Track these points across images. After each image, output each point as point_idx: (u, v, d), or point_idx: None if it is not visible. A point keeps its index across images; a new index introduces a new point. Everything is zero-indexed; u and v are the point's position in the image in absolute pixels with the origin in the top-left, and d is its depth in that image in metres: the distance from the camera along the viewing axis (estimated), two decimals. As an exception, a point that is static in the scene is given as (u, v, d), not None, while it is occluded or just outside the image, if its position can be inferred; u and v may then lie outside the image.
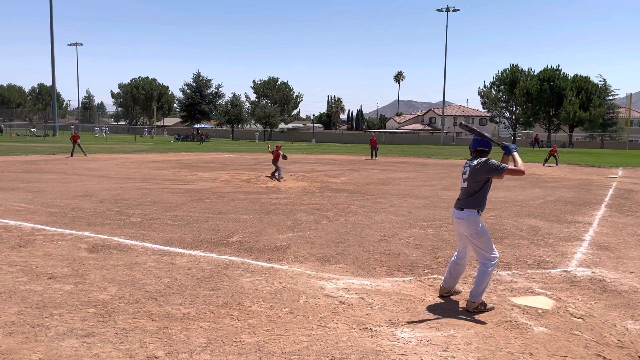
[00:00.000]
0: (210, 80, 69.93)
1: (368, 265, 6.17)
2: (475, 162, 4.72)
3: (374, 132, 54.88)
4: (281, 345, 3.82)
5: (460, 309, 4.70)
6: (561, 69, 69.32)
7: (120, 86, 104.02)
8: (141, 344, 3.79)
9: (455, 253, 5.03)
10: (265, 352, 3.69)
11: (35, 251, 6.44)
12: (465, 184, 4.75)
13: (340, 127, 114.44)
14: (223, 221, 8.77)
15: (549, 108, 68.07)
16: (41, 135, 57.77)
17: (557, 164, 26.68)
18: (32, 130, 61.97)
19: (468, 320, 4.44)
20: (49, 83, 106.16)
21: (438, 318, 4.47)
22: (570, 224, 9.27)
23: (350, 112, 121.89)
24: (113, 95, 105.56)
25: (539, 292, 5.29)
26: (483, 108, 78.88)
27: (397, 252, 6.80)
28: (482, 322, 4.39)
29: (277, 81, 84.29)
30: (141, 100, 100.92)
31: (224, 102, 72.19)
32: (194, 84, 68.68)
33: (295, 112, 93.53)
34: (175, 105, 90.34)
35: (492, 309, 4.68)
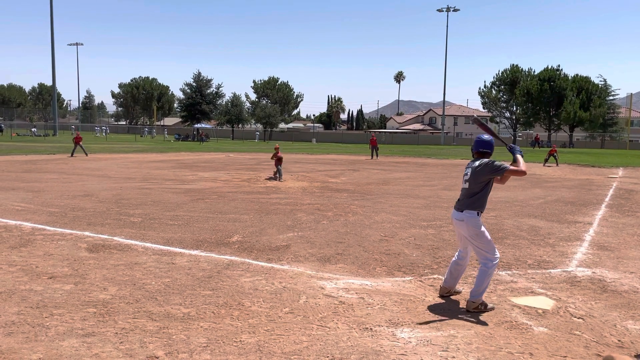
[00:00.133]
0: (211, 80, 69.98)
1: (368, 265, 6.17)
2: (477, 162, 4.71)
3: (374, 132, 54.89)
4: (281, 345, 3.82)
5: (461, 309, 4.70)
6: (561, 69, 69.35)
7: (120, 86, 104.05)
8: (141, 343, 3.79)
9: (456, 253, 5.04)
10: (265, 352, 3.69)
11: (36, 251, 6.44)
12: (467, 185, 4.74)
13: (340, 127, 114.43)
14: (223, 221, 8.77)
15: (549, 108, 68.05)
16: (41, 135, 57.79)
17: (557, 164, 26.67)
18: (33, 130, 61.98)
19: (468, 320, 4.44)
20: (49, 83, 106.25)
21: (438, 318, 4.47)
22: (570, 224, 9.27)
23: (350, 112, 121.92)
24: (113, 95, 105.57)
25: (539, 292, 5.28)
26: (483, 108, 78.81)
27: (398, 252, 6.80)
28: (483, 322, 4.39)
29: (277, 81, 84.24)
30: (141, 100, 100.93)
31: (224, 102, 72.20)
32: (194, 84, 68.69)
33: (295, 112, 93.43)
34: (175, 105, 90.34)
35: (492, 309, 4.68)
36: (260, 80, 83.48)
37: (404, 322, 4.34)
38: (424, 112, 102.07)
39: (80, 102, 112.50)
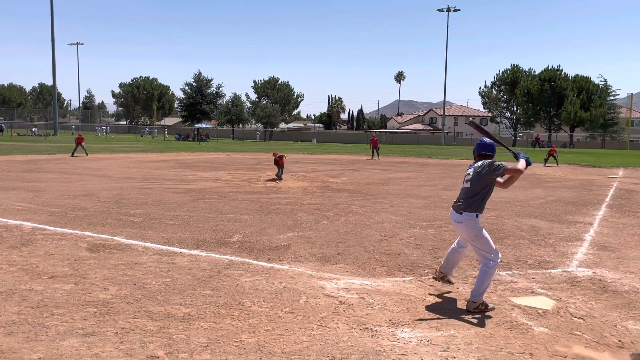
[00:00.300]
0: (211, 80, 69.97)
1: (368, 265, 6.17)
2: (479, 163, 4.71)
3: (375, 132, 54.88)
4: (281, 345, 3.82)
5: (461, 309, 4.70)
6: (562, 69, 69.29)
7: (120, 86, 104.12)
8: (141, 343, 3.79)
9: (456, 241, 5.08)
10: (265, 352, 3.69)
11: (36, 251, 6.44)
12: (468, 184, 4.73)
13: (340, 127, 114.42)
14: (223, 221, 8.77)
15: (549, 108, 68.01)
16: (42, 135, 57.83)
17: (557, 164, 26.67)
18: (33, 129, 62.02)
19: (468, 320, 4.44)
20: (49, 82, 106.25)
21: (438, 318, 4.47)
22: (570, 224, 9.26)
23: (350, 112, 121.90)
24: (114, 95, 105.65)
25: (539, 292, 5.28)
26: (484, 108, 78.80)
27: (398, 252, 6.80)
28: (483, 322, 4.38)
29: (277, 81, 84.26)
30: (142, 99, 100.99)
31: (224, 102, 72.22)
32: (194, 84, 68.69)
33: (295, 112, 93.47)
34: (175, 105, 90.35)
35: (492, 309, 4.68)
36: (261, 80, 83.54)
37: (404, 322, 4.34)
38: (425, 112, 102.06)
39: (81, 102, 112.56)
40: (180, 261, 6.11)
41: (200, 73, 68.98)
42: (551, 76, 67.66)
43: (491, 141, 4.83)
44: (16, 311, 4.37)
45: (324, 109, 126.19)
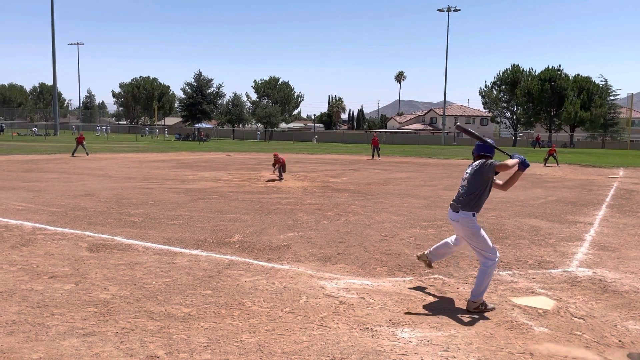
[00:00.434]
0: (211, 79, 69.97)
1: (369, 265, 6.17)
2: (475, 163, 4.80)
3: (375, 132, 54.89)
4: (282, 344, 3.82)
5: (461, 309, 4.70)
6: (562, 69, 69.23)
7: (121, 86, 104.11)
8: (142, 343, 3.79)
9: (453, 237, 5.17)
10: (265, 352, 3.69)
11: (36, 250, 6.45)
12: (465, 183, 4.80)
13: (341, 126, 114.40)
14: (224, 221, 8.78)
15: (550, 108, 67.97)
16: (42, 135, 57.83)
17: (557, 164, 26.66)
18: (33, 129, 62.04)
19: (469, 320, 4.44)
20: (50, 82, 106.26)
21: (439, 318, 4.47)
22: (571, 224, 9.26)
23: (351, 112, 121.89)
24: (114, 95, 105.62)
25: (539, 292, 5.28)
26: (484, 108, 78.76)
27: (398, 252, 6.80)
28: (483, 322, 4.38)
29: (278, 81, 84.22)
30: (142, 99, 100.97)
31: (224, 102, 72.23)
32: (195, 84, 68.69)
33: (296, 111, 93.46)
34: (176, 104, 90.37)
35: (492, 309, 4.69)
36: (261, 80, 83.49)
37: (405, 322, 4.34)
38: (425, 112, 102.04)
39: (81, 102, 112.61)
40: (181, 261, 6.12)
41: (200, 73, 69.01)
42: (551, 76, 67.62)
43: (491, 142, 4.88)
44: (16, 311, 4.37)
45: (324, 108, 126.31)
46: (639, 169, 25.55)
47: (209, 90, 69.89)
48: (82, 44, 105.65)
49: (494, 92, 73.76)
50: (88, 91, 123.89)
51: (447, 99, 73.24)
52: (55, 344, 3.73)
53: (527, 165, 4.58)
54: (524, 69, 72.58)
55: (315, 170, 20.99)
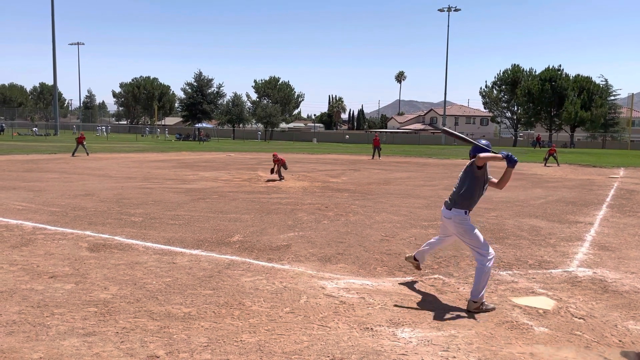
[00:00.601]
0: (212, 79, 69.94)
1: (369, 265, 6.17)
2: (469, 162, 4.93)
3: (377, 132, 54.89)
4: (282, 344, 3.82)
5: (461, 309, 4.70)
6: (563, 69, 69.23)
7: (121, 85, 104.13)
8: (142, 343, 3.79)
9: (436, 237, 5.35)
10: (266, 352, 3.69)
11: (37, 250, 6.45)
12: (458, 181, 4.94)
13: (341, 126, 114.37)
14: (224, 221, 8.78)
15: (550, 108, 67.95)
16: (42, 135, 57.84)
17: (557, 164, 26.65)
18: (34, 129, 62.04)
19: (469, 320, 4.44)
20: (50, 82, 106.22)
21: (439, 318, 4.47)
22: (571, 224, 9.26)
23: (351, 112, 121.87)
24: (114, 95, 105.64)
25: (540, 292, 5.28)
26: (484, 108, 78.75)
27: (398, 252, 6.80)
28: (483, 322, 4.38)
29: (278, 81, 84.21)
30: (142, 99, 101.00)
31: (225, 102, 72.22)
32: (195, 84, 68.65)
33: (296, 111, 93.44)
34: (176, 104, 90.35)
35: (493, 309, 4.69)
36: (261, 80, 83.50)
37: (405, 322, 4.34)
38: (425, 112, 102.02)
39: (81, 102, 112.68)
40: (181, 261, 6.12)
41: (200, 73, 68.95)
42: (552, 76, 67.61)
43: (486, 143, 4.95)
44: (17, 311, 4.37)
45: (324, 108, 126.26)
46: (639, 169, 25.55)
47: (209, 90, 69.86)
48: (83, 44, 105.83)
49: (495, 92, 73.77)
50: (88, 91, 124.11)
51: (447, 99, 73.27)
52: (55, 344, 3.73)
53: (514, 161, 4.58)
54: (525, 69, 72.60)
55: (316, 170, 20.99)
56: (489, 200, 11.70)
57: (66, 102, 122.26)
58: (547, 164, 26.76)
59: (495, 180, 4.95)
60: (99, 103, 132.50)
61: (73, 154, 26.02)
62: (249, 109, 76.66)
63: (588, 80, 67.67)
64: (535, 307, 4.80)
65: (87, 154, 26.52)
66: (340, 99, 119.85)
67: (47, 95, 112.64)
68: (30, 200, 10.66)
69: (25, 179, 14.80)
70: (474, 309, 4.62)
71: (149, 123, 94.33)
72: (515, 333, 4.18)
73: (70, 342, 3.78)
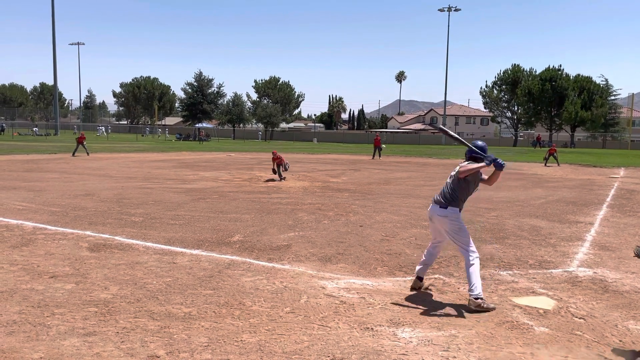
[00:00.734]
0: (212, 79, 69.86)
1: (369, 265, 6.17)
2: (463, 162, 5.01)
3: (378, 132, 54.88)
4: (282, 344, 3.82)
5: (462, 309, 4.70)
6: (563, 69, 69.18)
7: (121, 85, 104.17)
8: (142, 343, 3.79)
9: (430, 243, 5.30)
10: (266, 352, 3.69)
11: (37, 250, 6.45)
12: (450, 180, 5.06)
13: (341, 126, 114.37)
14: (224, 220, 8.78)
15: (550, 108, 67.93)
16: (43, 135, 57.85)
17: (558, 164, 26.64)
18: (34, 129, 62.06)
19: (469, 320, 4.44)
20: (50, 82, 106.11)
21: (439, 318, 4.47)
22: (571, 224, 9.26)
23: (351, 112, 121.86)
24: (114, 95, 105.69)
25: (540, 292, 5.28)
26: (485, 108, 78.73)
27: (399, 252, 6.80)
28: (484, 322, 4.38)
29: (278, 81, 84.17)
30: (143, 99, 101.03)
31: (225, 102, 72.21)
32: (195, 84, 68.60)
33: (296, 111, 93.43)
34: (176, 104, 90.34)
35: (493, 309, 4.69)
36: (262, 80, 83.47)
37: (405, 322, 4.34)
38: (425, 111, 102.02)
39: (82, 102, 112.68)
40: (181, 261, 6.12)
41: (201, 73, 68.89)
42: (552, 76, 67.59)
43: (482, 144, 5.01)
44: (17, 311, 4.38)
45: (324, 108, 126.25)
46: (639, 169, 25.53)
47: (210, 90, 69.81)
48: (83, 43, 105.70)
49: (495, 92, 73.74)
50: (89, 91, 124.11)
51: (447, 99, 73.29)
52: (55, 344, 3.73)
53: (501, 165, 4.70)
54: (525, 69, 72.57)
55: (316, 170, 20.99)
56: (489, 200, 11.70)
57: (66, 102, 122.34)
58: (547, 164, 26.75)
59: (485, 176, 5.09)
60: (99, 103, 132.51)
61: (73, 154, 26.03)
62: (249, 109, 76.66)
63: (588, 80, 67.64)
64: (535, 307, 4.80)
65: (88, 154, 26.53)
66: (340, 98, 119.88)
67: (48, 95, 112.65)
68: (30, 200, 10.66)
69: (25, 179, 14.80)
70: (476, 306, 4.63)
71: (149, 123, 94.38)
72: (516, 333, 4.18)
73: (70, 342, 3.78)
